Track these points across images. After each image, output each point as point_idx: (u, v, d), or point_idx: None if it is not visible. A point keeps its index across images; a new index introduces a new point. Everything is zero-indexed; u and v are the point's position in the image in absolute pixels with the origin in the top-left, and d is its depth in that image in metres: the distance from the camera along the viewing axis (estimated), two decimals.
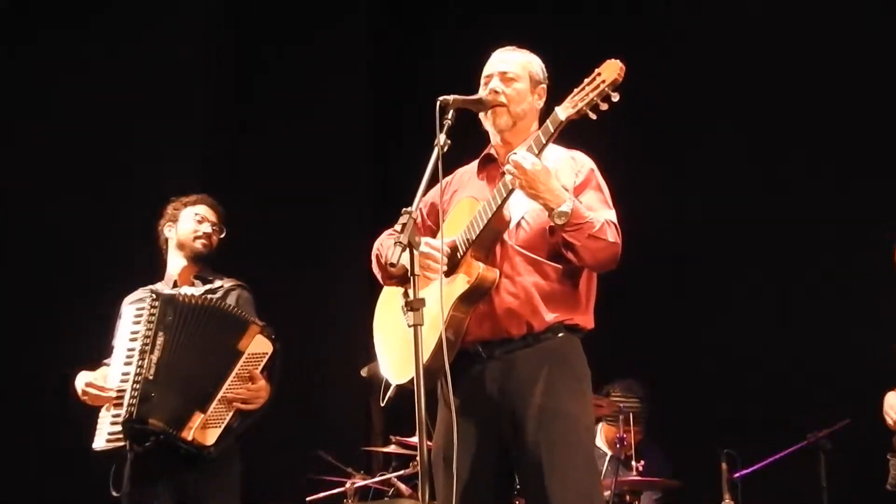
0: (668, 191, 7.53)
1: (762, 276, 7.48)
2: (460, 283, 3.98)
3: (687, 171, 7.62)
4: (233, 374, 5.06)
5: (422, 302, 3.60)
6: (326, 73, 8.29)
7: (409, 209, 3.67)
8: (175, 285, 5.36)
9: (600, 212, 3.99)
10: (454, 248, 4.04)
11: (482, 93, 4.19)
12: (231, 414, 5.03)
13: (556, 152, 4.14)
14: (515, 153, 3.89)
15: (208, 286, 5.32)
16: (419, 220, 4.10)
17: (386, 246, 4.22)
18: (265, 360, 5.16)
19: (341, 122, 8.25)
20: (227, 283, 5.36)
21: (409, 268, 3.63)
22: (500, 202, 3.95)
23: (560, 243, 3.95)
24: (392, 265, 3.67)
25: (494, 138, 4.27)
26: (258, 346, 5.15)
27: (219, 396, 5.01)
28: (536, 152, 3.89)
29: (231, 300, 5.28)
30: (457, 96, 3.97)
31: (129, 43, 7.58)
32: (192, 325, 5.08)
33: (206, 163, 7.61)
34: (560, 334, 4.08)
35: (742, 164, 7.49)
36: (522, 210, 4.08)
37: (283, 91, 8.19)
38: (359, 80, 8.44)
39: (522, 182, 3.84)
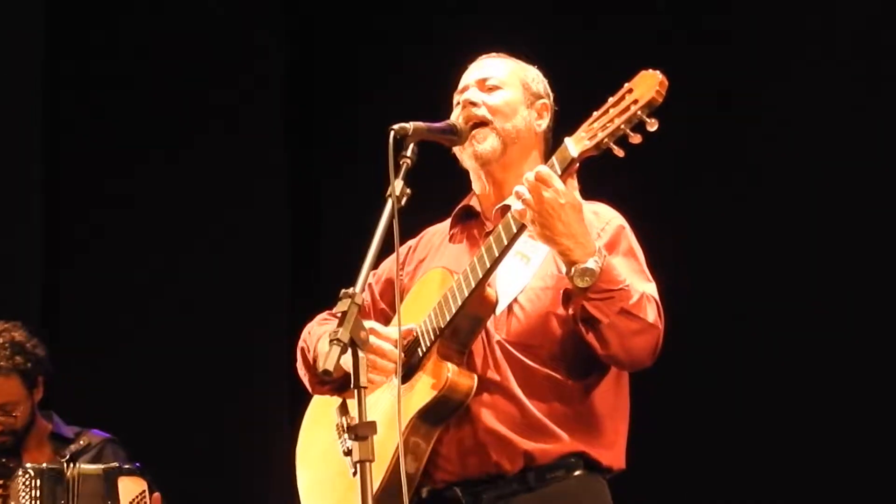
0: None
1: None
2: (421, 393, 3.13)
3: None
4: None
5: (371, 428, 2.76)
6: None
7: (351, 290, 2.82)
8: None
9: (636, 284, 3.10)
10: (414, 342, 3.19)
11: (455, 117, 3.29)
12: None
13: None
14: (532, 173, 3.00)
15: (74, 447, 4.85)
16: (367, 303, 3.30)
17: (315, 336, 3.35)
18: (144, 499, 4.76)
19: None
20: (94, 438, 4.92)
21: (352, 376, 2.79)
22: (484, 271, 3.06)
23: (577, 317, 3.03)
24: (327, 373, 2.79)
25: (476, 181, 3.35)
26: (130, 490, 4.71)
27: None
28: None
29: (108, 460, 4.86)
30: (418, 123, 3.11)
31: None
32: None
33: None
34: (576, 472, 3.13)
35: None
36: (516, 287, 3.17)
37: None
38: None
39: (535, 214, 2.94)
